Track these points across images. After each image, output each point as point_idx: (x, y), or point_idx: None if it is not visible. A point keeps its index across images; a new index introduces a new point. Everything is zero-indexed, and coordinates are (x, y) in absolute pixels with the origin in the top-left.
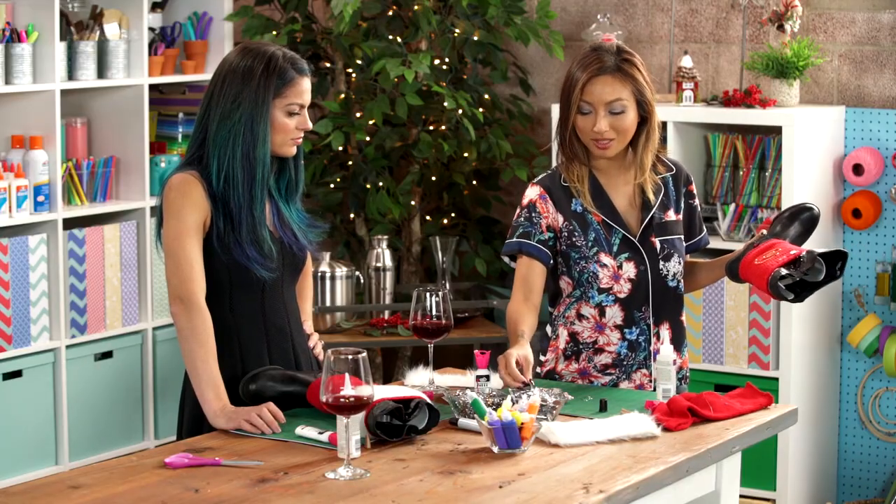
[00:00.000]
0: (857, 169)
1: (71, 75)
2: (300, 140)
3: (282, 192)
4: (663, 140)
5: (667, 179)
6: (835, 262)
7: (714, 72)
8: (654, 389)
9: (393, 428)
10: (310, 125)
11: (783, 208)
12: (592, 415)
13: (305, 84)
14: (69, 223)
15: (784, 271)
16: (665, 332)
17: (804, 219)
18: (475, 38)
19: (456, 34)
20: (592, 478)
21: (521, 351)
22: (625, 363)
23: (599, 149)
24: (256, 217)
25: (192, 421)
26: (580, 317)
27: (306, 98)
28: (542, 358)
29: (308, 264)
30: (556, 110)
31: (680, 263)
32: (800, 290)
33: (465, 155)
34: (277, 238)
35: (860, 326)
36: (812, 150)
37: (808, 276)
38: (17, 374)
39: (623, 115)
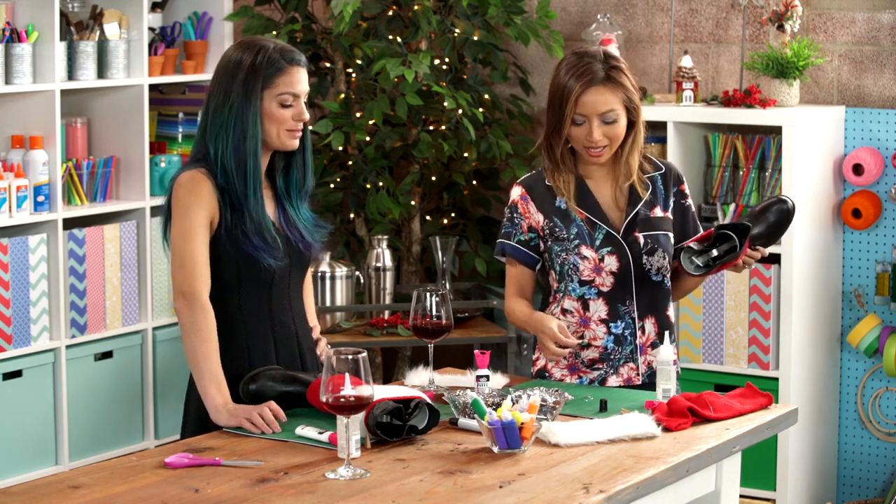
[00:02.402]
0: (857, 169)
1: (71, 75)
2: (299, 131)
3: (288, 192)
4: (663, 140)
5: (655, 178)
6: (744, 234)
7: (714, 72)
8: (642, 383)
9: (393, 428)
10: (307, 116)
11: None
12: (592, 415)
13: (298, 74)
14: (69, 223)
15: (695, 246)
16: (650, 325)
17: (774, 210)
18: (475, 38)
19: (456, 34)
20: (592, 478)
21: (553, 322)
22: (612, 357)
23: (593, 157)
24: (255, 207)
25: (198, 421)
26: (564, 311)
27: (300, 88)
28: (532, 356)
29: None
30: None
31: (665, 258)
32: (711, 264)
33: (465, 155)
34: (283, 235)
35: (860, 326)
36: (812, 150)
37: (718, 249)
38: (17, 374)
39: (616, 124)
